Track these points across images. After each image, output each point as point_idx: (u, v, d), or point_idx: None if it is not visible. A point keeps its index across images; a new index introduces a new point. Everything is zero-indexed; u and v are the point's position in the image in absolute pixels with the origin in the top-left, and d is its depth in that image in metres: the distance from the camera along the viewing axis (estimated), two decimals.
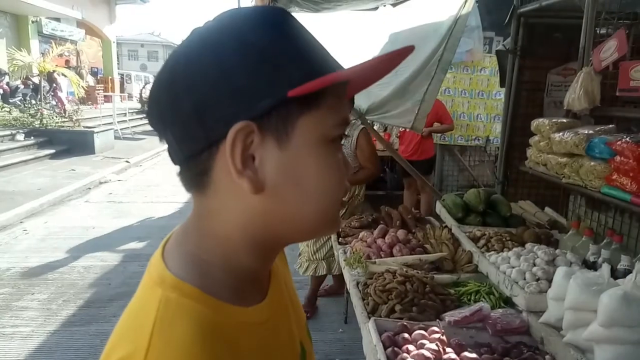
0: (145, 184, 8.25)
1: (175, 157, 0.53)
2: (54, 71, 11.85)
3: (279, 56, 0.49)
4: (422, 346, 1.53)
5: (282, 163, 0.50)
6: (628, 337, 1.34)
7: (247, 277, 0.56)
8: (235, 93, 0.48)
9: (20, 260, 4.55)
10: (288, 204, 0.52)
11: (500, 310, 1.80)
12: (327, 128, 0.52)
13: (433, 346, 1.53)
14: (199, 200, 0.55)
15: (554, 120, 2.76)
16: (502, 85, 4.59)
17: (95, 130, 10.82)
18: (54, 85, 12.41)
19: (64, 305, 3.66)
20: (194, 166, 0.52)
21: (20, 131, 9.79)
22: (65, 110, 12.03)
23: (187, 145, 0.51)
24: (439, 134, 5.63)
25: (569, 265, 1.86)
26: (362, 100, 3.88)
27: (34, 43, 14.63)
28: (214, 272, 0.53)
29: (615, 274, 1.73)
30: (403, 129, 5.16)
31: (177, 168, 0.55)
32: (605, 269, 1.56)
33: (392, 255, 2.39)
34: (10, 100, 11.74)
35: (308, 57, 0.51)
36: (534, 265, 1.91)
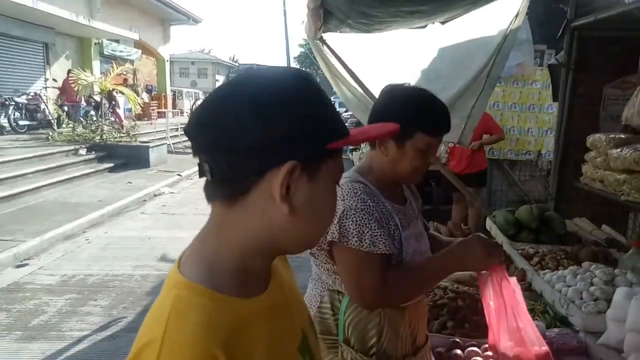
0: (196, 196, 8.57)
1: (216, 173, 0.65)
2: (113, 89, 12.60)
3: (322, 117, 0.67)
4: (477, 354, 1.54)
5: (309, 194, 0.67)
6: None
7: (253, 275, 0.70)
8: (291, 138, 0.64)
9: (84, 268, 4.86)
10: (304, 224, 0.68)
11: (556, 329, 1.78)
12: (335, 173, 0.71)
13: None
14: (222, 213, 0.68)
15: (611, 135, 2.69)
16: (555, 99, 4.48)
17: (150, 145, 11.37)
18: (113, 102, 13.18)
19: (124, 311, 3.87)
20: (237, 185, 0.65)
21: (83, 146, 10.44)
22: (123, 126, 12.72)
23: (238, 168, 0.64)
24: (489, 146, 5.54)
25: (630, 285, 1.81)
26: None
27: (96, 64, 15.61)
28: (225, 273, 0.66)
29: None
30: (452, 144, 5.13)
31: (202, 181, 0.69)
32: None
33: None
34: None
35: (338, 118, 0.70)
36: (592, 284, 1.87)
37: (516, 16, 3.69)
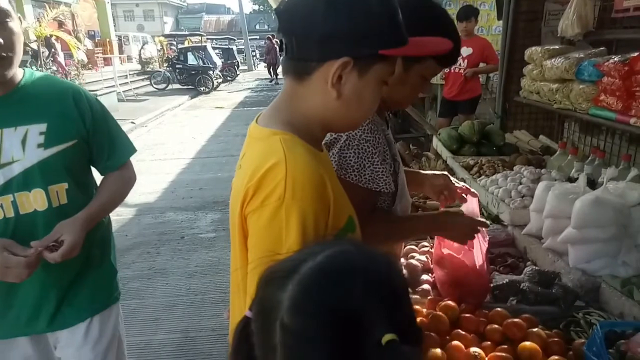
0: (152, 143, 8.37)
1: (289, 52, 0.82)
2: (51, 36, 11.73)
3: (383, 24, 0.79)
4: (412, 258, 1.67)
5: (356, 86, 0.82)
6: (598, 235, 1.46)
7: (315, 138, 0.89)
8: (350, 38, 0.78)
9: None
10: (349, 110, 0.85)
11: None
12: (384, 75, 0.84)
13: (422, 257, 1.67)
14: (293, 85, 0.85)
15: (546, 47, 2.78)
16: (499, 18, 4.52)
17: (98, 93, 10.84)
18: (53, 50, 12.32)
19: None
20: (303, 66, 0.82)
21: None
22: (66, 75, 12.01)
23: (305, 52, 0.80)
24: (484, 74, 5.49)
25: (553, 181, 1.96)
26: None
27: (28, 8, 14.37)
28: (299, 130, 0.85)
29: (596, 187, 1.83)
30: (448, 70, 5.08)
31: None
32: (582, 179, 1.66)
33: None
34: None
35: (398, 28, 0.81)
36: (520, 184, 2.01)
37: None
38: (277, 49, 18.93)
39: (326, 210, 0.79)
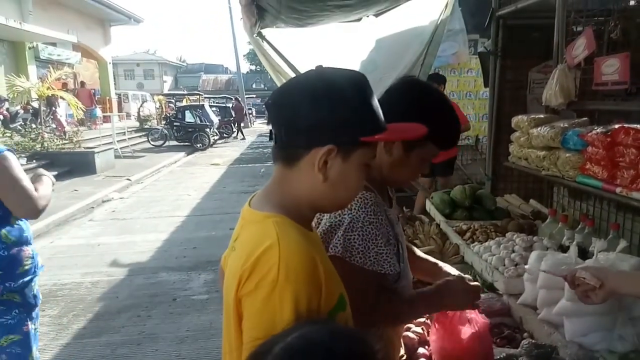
0: (147, 200, 8.39)
1: (278, 140, 0.89)
2: (52, 95, 12.05)
3: (362, 115, 0.87)
4: (408, 329, 1.65)
5: (341, 170, 0.89)
6: (591, 309, 1.46)
7: (306, 219, 0.96)
8: (332, 128, 0.85)
9: None
10: (335, 191, 0.91)
11: (483, 295, 1.92)
12: (367, 158, 0.91)
13: (418, 329, 1.66)
14: (283, 171, 0.92)
15: (532, 116, 2.90)
16: (486, 85, 4.74)
17: (96, 150, 10.98)
18: (53, 108, 12.60)
19: (74, 319, 3.78)
20: (292, 152, 0.89)
21: (22, 155, 9.94)
22: (65, 133, 12.19)
23: (293, 141, 0.88)
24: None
25: (545, 250, 1.99)
26: None
27: (32, 68, 14.82)
28: (291, 212, 0.90)
29: (587, 256, 1.86)
30: None
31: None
32: (572, 249, 1.68)
33: None
34: (11, 126, 11.92)
35: (375, 116, 0.89)
36: (513, 252, 2.04)
37: (445, 6, 3.88)
38: (244, 109, 21.81)
39: (318, 291, 0.83)
